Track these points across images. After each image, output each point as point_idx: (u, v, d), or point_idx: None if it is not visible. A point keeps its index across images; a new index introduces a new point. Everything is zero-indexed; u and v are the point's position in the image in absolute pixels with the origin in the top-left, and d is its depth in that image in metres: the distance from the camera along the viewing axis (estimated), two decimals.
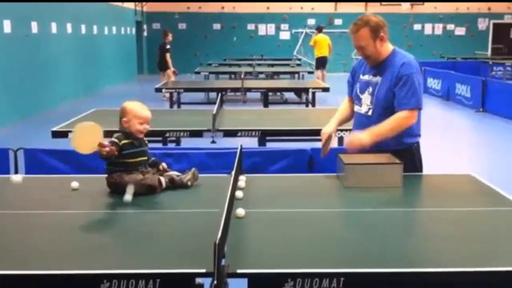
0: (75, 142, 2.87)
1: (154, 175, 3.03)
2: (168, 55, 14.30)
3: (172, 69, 14.31)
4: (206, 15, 22.97)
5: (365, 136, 3.30)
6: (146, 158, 3.09)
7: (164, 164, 3.15)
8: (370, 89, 3.43)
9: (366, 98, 3.46)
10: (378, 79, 3.41)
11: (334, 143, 3.57)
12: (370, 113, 3.43)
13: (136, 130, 3.05)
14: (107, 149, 2.87)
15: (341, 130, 5.05)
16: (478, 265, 2.12)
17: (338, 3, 23.01)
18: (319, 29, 16.37)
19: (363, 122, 3.46)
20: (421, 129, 3.52)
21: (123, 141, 2.99)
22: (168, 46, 14.38)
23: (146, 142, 3.15)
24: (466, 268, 2.10)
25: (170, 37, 14.52)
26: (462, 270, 2.09)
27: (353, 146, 3.32)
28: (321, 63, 15.77)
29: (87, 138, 2.87)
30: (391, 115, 3.34)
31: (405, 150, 3.39)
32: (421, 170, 3.51)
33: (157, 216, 2.76)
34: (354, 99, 3.58)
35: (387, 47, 3.41)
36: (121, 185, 2.94)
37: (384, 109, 3.37)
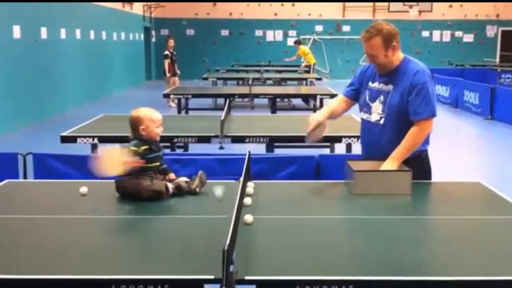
0: (106, 168, 2.92)
1: (160, 180, 3.04)
2: (166, 62, 14.22)
3: (168, 75, 14.18)
4: (214, 21, 23.04)
5: (391, 166, 3.26)
6: (159, 163, 3.12)
7: (172, 175, 3.16)
8: (382, 97, 3.41)
9: (376, 107, 3.43)
10: (390, 87, 3.39)
11: (325, 132, 3.49)
12: (382, 121, 3.40)
13: (155, 134, 3.10)
14: (132, 164, 2.93)
15: (349, 137, 5.06)
16: (488, 274, 2.11)
17: (346, 10, 23.02)
18: (299, 42, 18.47)
19: (374, 130, 3.44)
20: (429, 136, 3.51)
21: (142, 147, 3.02)
22: (166, 52, 14.29)
23: (162, 146, 3.18)
24: (475, 277, 2.09)
25: (170, 43, 14.44)
26: (471, 279, 2.08)
27: None
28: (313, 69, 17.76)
29: (112, 161, 2.93)
30: (404, 123, 3.32)
31: (414, 158, 3.37)
32: (430, 178, 3.50)
33: (165, 222, 2.76)
34: (362, 106, 3.55)
35: (399, 56, 3.39)
36: (129, 189, 2.96)
37: (397, 118, 3.34)
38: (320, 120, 3.41)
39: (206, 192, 3.11)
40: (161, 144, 3.23)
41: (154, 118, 3.10)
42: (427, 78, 3.33)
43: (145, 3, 21.56)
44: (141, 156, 2.99)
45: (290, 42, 23.29)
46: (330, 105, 3.64)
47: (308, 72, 17.08)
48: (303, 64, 18.03)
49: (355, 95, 3.62)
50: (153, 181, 3.00)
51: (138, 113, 3.10)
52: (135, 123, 3.08)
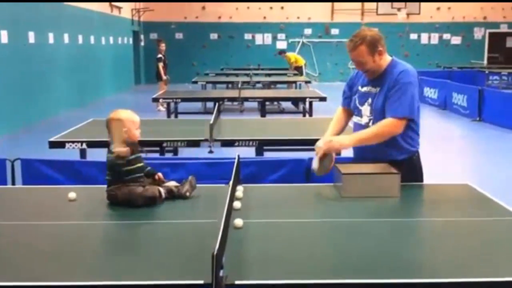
0: None
1: (153, 186, 3.03)
2: (160, 65, 14.22)
3: (164, 78, 14.20)
4: (203, 25, 23.03)
5: (343, 140, 3.31)
6: (143, 164, 3.09)
7: (160, 174, 3.14)
8: (370, 100, 3.42)
9: (365, 110, 3.45)
10: (377, 89, 3.40)
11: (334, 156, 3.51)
12: (371, 124, 3.41)
13: (135, 136, 3.06)
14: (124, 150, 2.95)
15: None
16: (475, 276, 2.12)
17: (334, 13, 23.10)
18: (284, 51, 19.03)
19: None
20: (419, 138, 3.52)
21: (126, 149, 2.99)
22: (159, 56, 14.30)
23: (140, 148, 3.16)
24: (463, 278, 2.10)
25: (162, 47, 14.45)
26: (459, 280, 2.08)
27: (332, 150, 3.27)
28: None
29: None
30: None
31: (406, 160, 3.39)
32: (421, 180, 3.51)
33: (154, 227, 2.75)
34: (353, 110, 3.56)
35: (386, 59, 3.41)
36: (121, 198, 2.94)
37: (383, 118, 3.35)
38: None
39: (196, 196, 3.10)
40: (148, 148, 3.21)
41: (135, 121, 3.07)
42: (411, 79, 3.33)
43: (133, 7, 21.52)
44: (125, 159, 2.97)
45: (279, 45, 23.35)
46: (331, 125, 3.64)
47: (299, 74, 17.13)
48: (293, 66, 18.08)
49: (350, 103, 3.64)
50: (145, 187, 2.98)
51: (119, 116, 3.06)
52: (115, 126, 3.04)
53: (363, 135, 3.34)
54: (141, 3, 22.38)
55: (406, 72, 3.34)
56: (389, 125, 3.29)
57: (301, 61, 18.37)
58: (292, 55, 18.67)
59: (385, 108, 3.32)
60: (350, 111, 3.66)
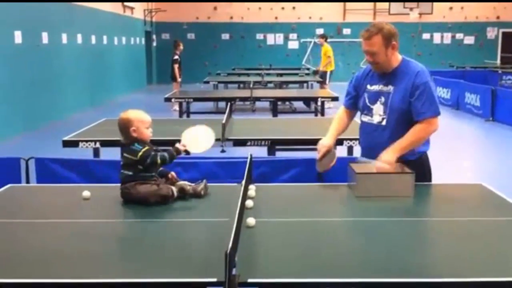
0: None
1: (166, 184, 3.05)
2: (175, 66, 14.23)
3: (178, 80, 14.19)
4: (215, 25, 23.07)
5: (390, 156, 3.26)
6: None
7: (173, 173, 3.17)
8: (383, 98, 3.42)
9: (378, 108, 3.44)
10: (390, 88, 3.40)
11: (337, 155, 3.52)
12: (384, 122, 3.42)
13: (146, 136, 3.08)
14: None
15: (350, 139, 5.05)
16: (490, 275, 2.11)
17: (346, 13, 23.05)
18: (326, 37, 15.82)
19: (376, 132, 3.45)
20: (430, 138, 3.51)
21: (145, 148, 3.01)
22: (175, 57, 14.31)
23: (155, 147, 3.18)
24: (477, 278, 2.09)
25: (180, 48, 14.46)
26: (472, 280, 2.08)
27: (386, 169, 3.24)
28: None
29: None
30: (406, 123, 3.34)
31: (414, 160, 3.38)
32: (430, 180, 3.50)
33: (167, 225, 2.77)
34: (363, 109, 3.56)
35: (397, 56, 3.42)
36: (136, 196, 2.96)
37: (399, 117, 3.36)
38: (329, 145, 3.45)
39: (208, 195, 3.12)
40: (160, 148, 3.23)
41: (144, 120, 3.09)
42: (428, 78, 3.38)
43: (146, 8, 21.60)
44: (143, 157, 2.99)
45: (291, 45, 23.32)
46: (333, 125, 3.67)
47: (323, 81, 14.78)
48: (320, 67, 15.43)
49: (353, 104, 3.66)
50: (160, 186, 3.00)
51: (128, 115, 3.09)
52: (125, 125, 3.06)
53: (407, 142, 3.31)
54: (153, 4, 22.47)
55: (422, 72, 3.38)
56: (425, 127, 3.33)
57: (332, 66, 15.26)
58: (329, 50, 15.14)
59: (413, 113, 3.33)
60: (352, 112, 3.70)
